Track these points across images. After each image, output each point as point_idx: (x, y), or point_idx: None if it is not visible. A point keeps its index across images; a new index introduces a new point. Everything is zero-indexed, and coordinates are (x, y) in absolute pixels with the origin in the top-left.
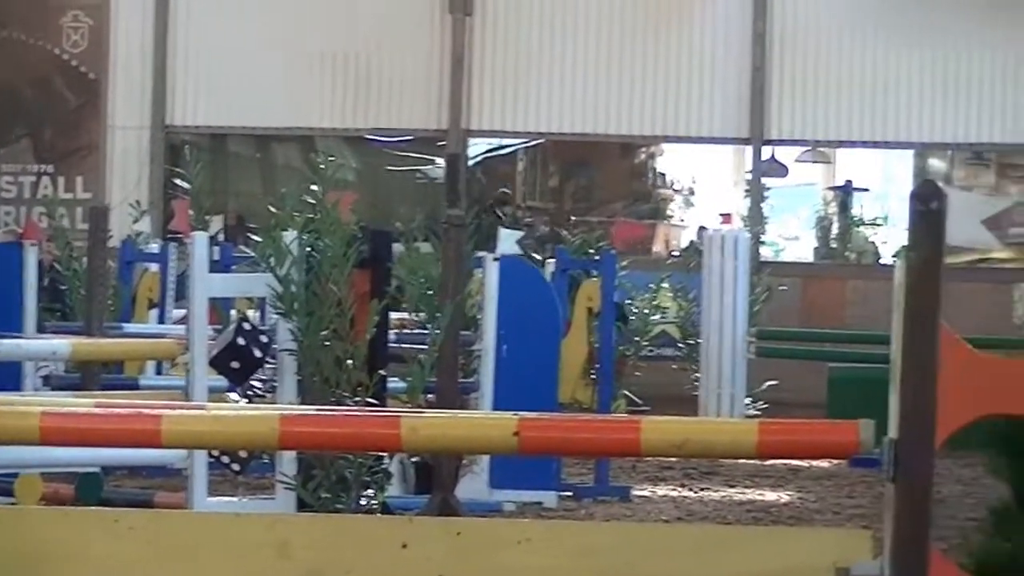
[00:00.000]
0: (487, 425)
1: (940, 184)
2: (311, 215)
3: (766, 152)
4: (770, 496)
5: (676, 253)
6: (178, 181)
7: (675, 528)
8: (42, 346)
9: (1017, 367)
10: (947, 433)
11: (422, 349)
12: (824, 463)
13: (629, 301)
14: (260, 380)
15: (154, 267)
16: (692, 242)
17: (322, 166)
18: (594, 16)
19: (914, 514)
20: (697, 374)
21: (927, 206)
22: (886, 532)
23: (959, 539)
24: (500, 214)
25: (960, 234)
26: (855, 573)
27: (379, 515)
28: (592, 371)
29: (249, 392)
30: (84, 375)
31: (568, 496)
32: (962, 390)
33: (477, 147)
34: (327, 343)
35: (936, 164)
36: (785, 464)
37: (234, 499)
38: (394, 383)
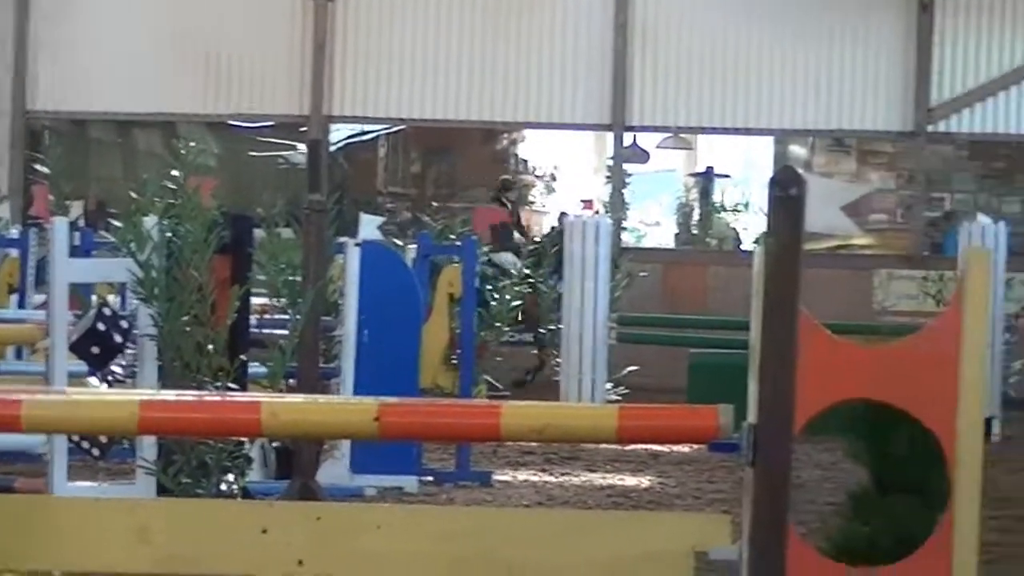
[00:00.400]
0: (347, 410)
1: (800, 170)
2: (172, 201)
3: (627, 138)
4: (630, 481)
5: (538, 239)
6: (38, 167)
7: (535, 513)
8: None
9: (875, 353)
10: (805, 418)
11: (283, 334)
12: (684, 448)
13: (490, 287)
14: (120, 365)
15: (14, 253)
16: (553, 228)
17: (183, 152)
18: (456, 2)
19: (772, 498)
20: (558, 359)
21: (786, 192)
22: (745, 516)
23: (818, 523)
24: (504, 200)
25: (820, 220)
26: (714, 557)
27: (239, 500)
28: (453, 356)
29: (109, 377)
30: None
31: (429, 481)
32: (820, 375)
33: (339, 133)
34: (188, 328)
35: (797, 151)
36: (645, 449)
37: (94, 484)
38: (255, 368)
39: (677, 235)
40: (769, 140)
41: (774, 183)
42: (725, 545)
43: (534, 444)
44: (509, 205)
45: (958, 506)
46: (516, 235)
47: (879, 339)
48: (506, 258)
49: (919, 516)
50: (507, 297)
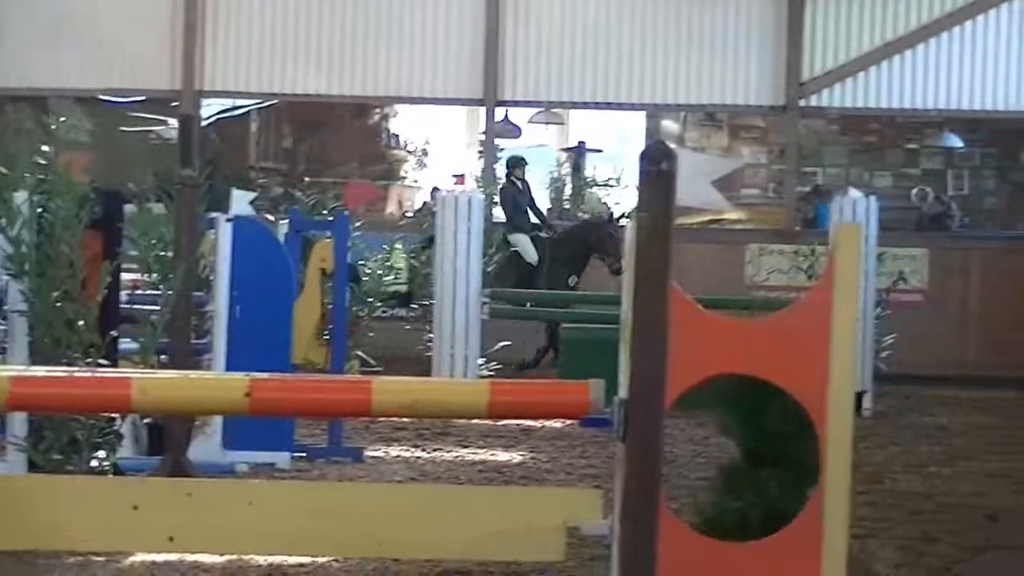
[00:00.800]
0: (218, 386)
1: (671, 145)
2: (43, 176)
3: (499, 113)
4: (502, 456)
5: (410, 214)
6: None
7: (407, 489)
8: None
9: (746, 327)
10: (677, 393)
11: (155, 310)
12: (556, 423)
13: (362, 262)
14: None
15: None
16: (426, 203)
17: (54, 127)
18: None
19: (644, 473)
20: (431, 335)
21: (657, 167)
22: (616, 491)
23: (689, 498)
24: (514, 179)
25: (691, 195)
26: (585, 532)
27: (110, 476)
28: (325, 332)
29: None
30: None
31: (301, 457)
32: (692, 350)
33: (211, 108)
34: (58, 304)
35: (669, 125)
36: (517, 424)
37: None
38: (126, 344)
39: (549, 210)
40: (641, 115)
41: (645, 158)
42: (596, 520)
43: (406, 420)
44: (520, 183)
45: (829, 481)
46: (532, 215)
47: (750, 313)
48: (520, 239)
49: (790, 491)
50: (379, 272)
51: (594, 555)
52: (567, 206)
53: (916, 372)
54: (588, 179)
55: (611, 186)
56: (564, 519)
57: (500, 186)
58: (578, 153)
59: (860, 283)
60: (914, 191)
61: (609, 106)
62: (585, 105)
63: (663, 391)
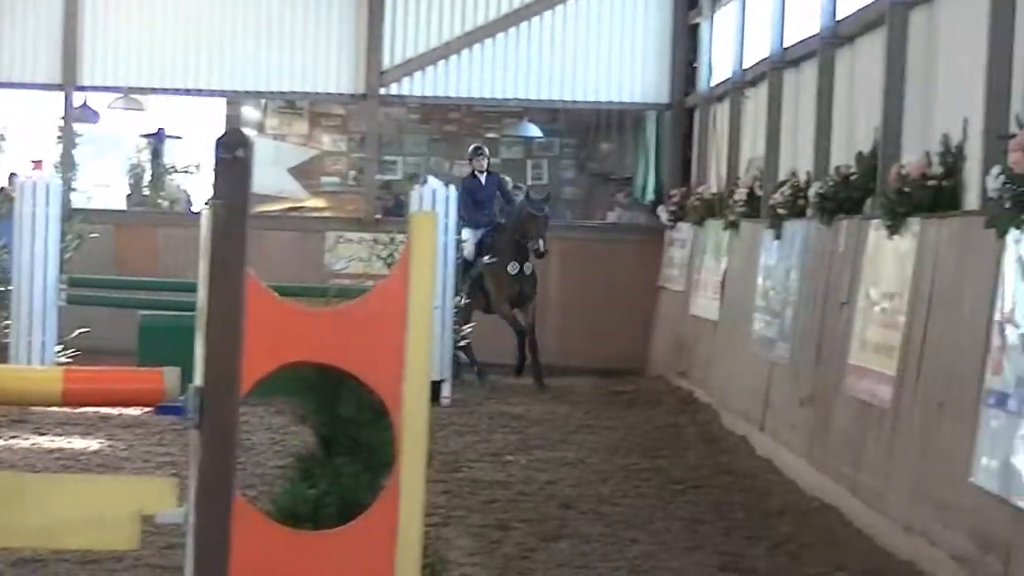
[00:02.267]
0: None
1: (250, 132)
2: None
3: (79, 98)
4: (79, 444)
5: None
6: None
7: None
8: None
9: (320, 315)
10: (253, 380)
11: None
12: (135, 411)
13: None
14: None
15: None
16: (3, 189)
17: None
18: None
19: (219, 461)
20: (8, 321)
21: (232, 154)
22: (191, 479)
23: (266, 487)
24: (476, 172)
25: (269, 182)
26: (160, 520)
27: None
28: None
29: None
30: None
31: None
32: (268, 338)
33: None
34: None
35: (250, 113)
36: (96, 412)
37: None
38: None
39: (129, 196)
40: (222, 102)
41: (220, 145)
42: (171, 508)
43: None
44: (482, 176)
45: (404, 469)
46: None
47: (327, 302)
48: (466, 234)
49: (364, 479)
50: None
51: (170, 543)
52: (146, 193)
53: (494, 361)
54: (168, 166)
55: (190, 173)
56: (139, 507)
57: (462, 179)
58: (157, 139)
59: (435, 271)
60: None
61: (189, 92)
62: (165, 91)
63: (238, 379)
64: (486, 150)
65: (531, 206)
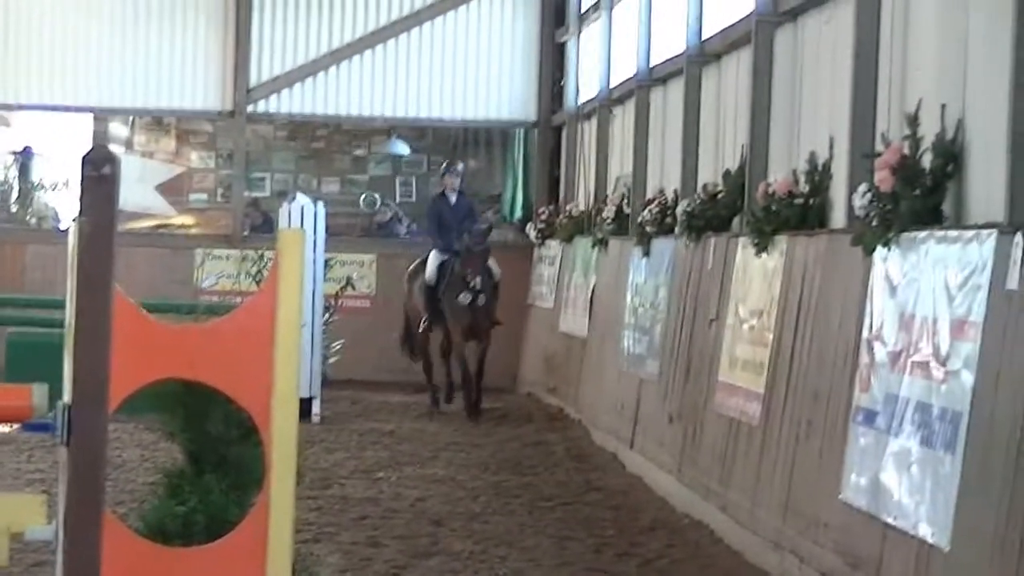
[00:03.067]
0: None
1: (116, 149)
2: None
3: None
4: None
5: None
6: None
7: None
8: None
9: (189, 331)
10: (121, 397)
11: None
12: (2, 427)
13: None
14: None
15: None
16: None
17: None
18: None
19: (87, 478)
20: None
21: (99, 171)
22: (60, 496)
23: (136, 503)
24: (447, 191)
25: (138, 200)
26: (29, 537)
27: None
28: None
29: None
30: None
31: None
32: (136, 354)
33: None
34: None
35: (118, 129)
36: None
37: None
38: None
39: None
40: (89, 117)
41: (86, 162)
42: (41, 524)
43: None
44: (454, 196)
45: (274, 486)
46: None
47: (195, 318)
48: (431, 257)
49: (233, 496)
50: None
51: (39, 560)
52: (15, 209)
53: (365, 378)
54: (35, 183)
55: (59, 189)
56: (7, 524)
57: (431, 198)
58: (25, 156)
59: (305, 288)
60: (363, 197)
61: (56, 108)
62: (32, 107)
63: (107, 395)
64: (460, 167)
65: (470, 238)
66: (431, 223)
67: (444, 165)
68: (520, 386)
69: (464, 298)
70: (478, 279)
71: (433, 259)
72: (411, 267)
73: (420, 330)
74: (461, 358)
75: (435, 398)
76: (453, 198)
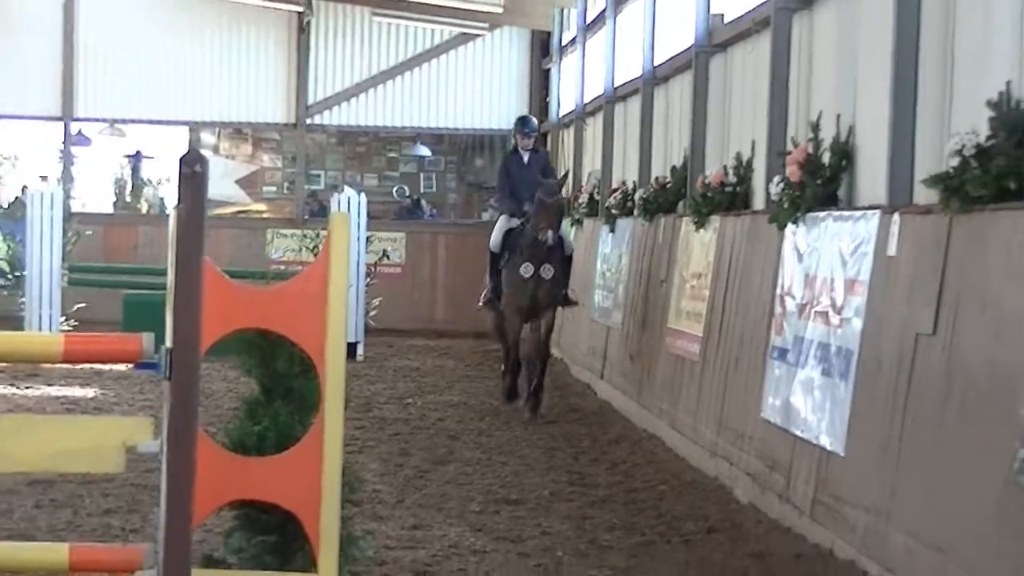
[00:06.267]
0: None
1: (205, 153)
2: None
3: (75, 127)
4: (79, 392)
5: (5, 206)
6: None
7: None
8: None
9: (262, 292)
10: (210, 342)
11: None
12: (121, 367)
13: None
14: None
15: None
16: (18, 197)
17: None
18: None
19: (184, 405)
20: (23, 299)
21: (192, 169)
22: (164, 419)
23: (222, 424)
24: (521, 149)
25: (223, 192)
26: (141, 450)
27: None
28: None
29: None
30: None
31: None
32: (220, 310)
33: None
34: None
35: (207, 137)
36: (91, 368)
37: None
38: None
39: (114, 202)
40: (185, 129)
41: (182, 163)
42: (149, 440)
43: (3, 364)
44: (527, 154)
45: (327, 410)
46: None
47: (266, 282)
48: (499, 222)
49: (296, 418)
50: None
51: (149, 468)
52: (128, 199)
53: (397, 327)
54: (144, 179)
55: (162, 184)
56: (124, 440)
57: (503, 157)
58: (136, 159)
59: (351, 258)
60: (395, 189)
61: (160, 122)
62: (141, 121)
63: (199, 341)
64: (533, 123)
65: (542, 190)
66: (500, 183)
67: (516, 120)
68: None
69: (526, 270)
70: (549, 233)
71: (500, 224)
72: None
73: (480, 304)
74: (517, 341)
75: (509, 389)
76: (526, 157)
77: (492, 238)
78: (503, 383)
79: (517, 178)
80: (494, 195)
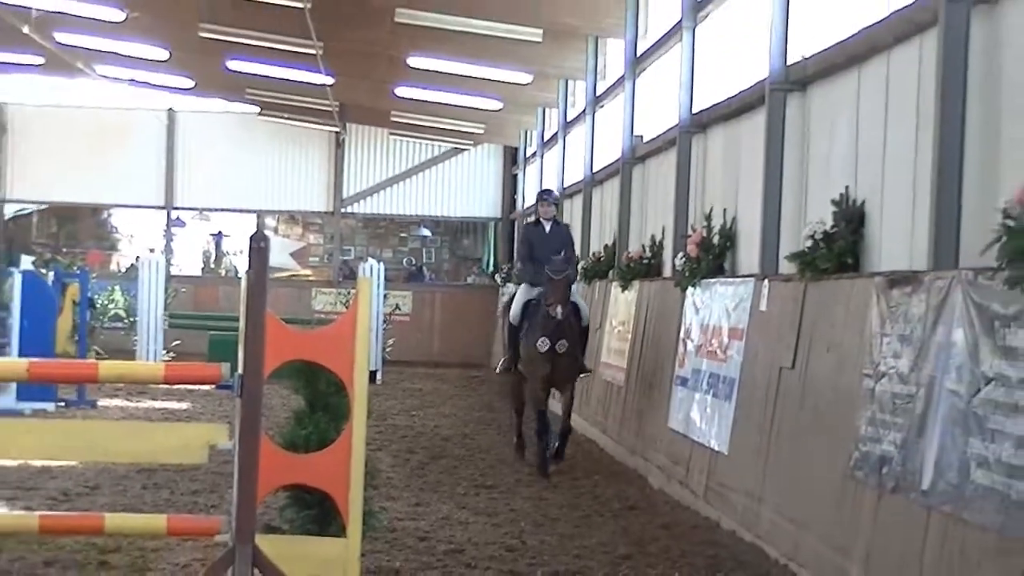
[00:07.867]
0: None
1: (267, 232)
2: None
3: (174, 214)
4: (175, 406)
5: (124, 270)
6: None
7: (120, 423)
8: None
9: (308, 334)
10: (270, 370)
11: None
12: (205, 387)
13: (97, 296)
14: None
15: None
16: (133, 264)
17: None
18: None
19: (251, 416)
20: (136, 337)
21: (258, 244)
22: (236, 425)
23: (278, 429)
24: (542, 220)
25: (280, 261)
26: (220, 448)
27: None
28: (75, 335)
29: None
30: None
31: (62, 405)
32: (277, 346)
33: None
34: None
35: (269, 221)
36: (185, 388)
37: None
38: None
39: (203, 268)
40: (253, 215)
41: (251, 240)
42: (225, 441)
43: (121, 384)
44: (547, 224)
45: (354, 420)
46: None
47: (311, 326)
48: (513, 291)
49: (332, 425)
50: (106, 303)
51: (225, 460)
52: (213, 266)
53: (405, 359)
54: (224, 251)
55: (237, 255)
56: (207, 440)
57: (524, 226)
58: (219, 237)
59: (373, 310)
60: (404, 260)
61: (235, 211)
62: (222, 210)
63: (262, 369)
64: (555, 194)
65: (549, 267)
66: (521, 251)
67: (538, 193)
68: (492, 363)
69: (543, 344)
70: (559, 309)
71: (520, 295)
72: (507, 300)
73: (497, 370)
74: (538, 406)
75: (519, 443)
76: (548, 227)
77: (512, 310)
78: (515, 451)
79: (539, 248)
80: (515, 262)
